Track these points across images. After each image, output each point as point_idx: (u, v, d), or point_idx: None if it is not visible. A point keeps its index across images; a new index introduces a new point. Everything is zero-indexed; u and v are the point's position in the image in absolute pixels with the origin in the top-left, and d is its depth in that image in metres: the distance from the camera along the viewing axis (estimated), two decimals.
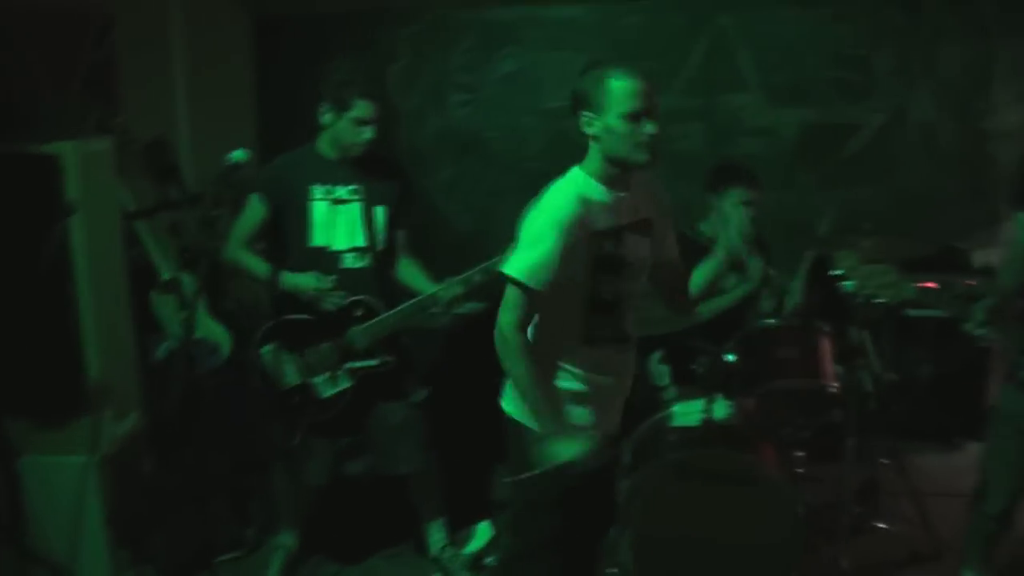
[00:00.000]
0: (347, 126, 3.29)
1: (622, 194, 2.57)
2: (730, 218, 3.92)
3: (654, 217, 2.67)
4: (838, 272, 2.67)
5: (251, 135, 4.91)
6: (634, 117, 2.44)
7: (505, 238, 3.43)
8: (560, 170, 4.63)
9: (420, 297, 3.33)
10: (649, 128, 2.45)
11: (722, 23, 4.55)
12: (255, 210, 3.40)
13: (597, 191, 2.54)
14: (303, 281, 3.33)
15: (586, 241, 2.51)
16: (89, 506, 3.51)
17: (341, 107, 3.28)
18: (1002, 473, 2.97)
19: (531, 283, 2.48)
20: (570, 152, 4.61)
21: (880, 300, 2.65)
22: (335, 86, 3.29)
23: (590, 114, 2.49)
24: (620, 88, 2.44)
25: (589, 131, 2.51)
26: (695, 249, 3.96)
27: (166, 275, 4.32)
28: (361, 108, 3.27)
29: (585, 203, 2.51)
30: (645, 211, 2.64)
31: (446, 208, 4.92)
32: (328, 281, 3.30)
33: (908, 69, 4.55)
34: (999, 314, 2.66)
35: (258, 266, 3.40)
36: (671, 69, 4.60)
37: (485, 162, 4.84)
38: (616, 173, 2.54)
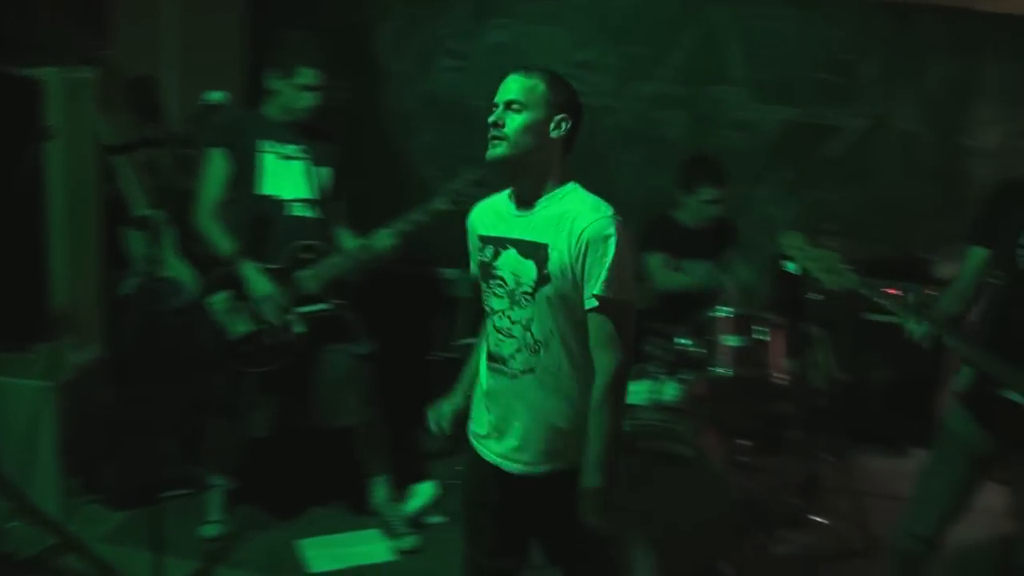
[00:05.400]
0: (292, 92, 3.41)
1: None
2: (700, 214, 3.99)
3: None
4: (783, 252, 2.66)
5: (237, 83, 4.90)
6: None
7: None
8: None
9: (363, 241, 3.43)
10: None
11: (714, 14, 4.56)
12: (219, 165, 3.43)
13: None
14: (259, 285, 3.37)
15: None
16: (43, 431, 3.56)
17: (287, 74, 3.40)
18: (937, 492, 2.77)
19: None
20: None
21: (825, 286, 2.60)
22: (285, 54, 3.41)
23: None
24: None
25: None
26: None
27: (139, 211, 4.35)
28: (306, 75, 3.40)
29: None
30: None
31: (425, 173, 4.93)
32: (280, 297, 3.38)
33: (893, 78, 4.58)
34: (943, 327, 2.60)
35: (223, 242, 3.41)
36: (658, 55, 4.63)
37: (467, 129, 4.84)
38: None
